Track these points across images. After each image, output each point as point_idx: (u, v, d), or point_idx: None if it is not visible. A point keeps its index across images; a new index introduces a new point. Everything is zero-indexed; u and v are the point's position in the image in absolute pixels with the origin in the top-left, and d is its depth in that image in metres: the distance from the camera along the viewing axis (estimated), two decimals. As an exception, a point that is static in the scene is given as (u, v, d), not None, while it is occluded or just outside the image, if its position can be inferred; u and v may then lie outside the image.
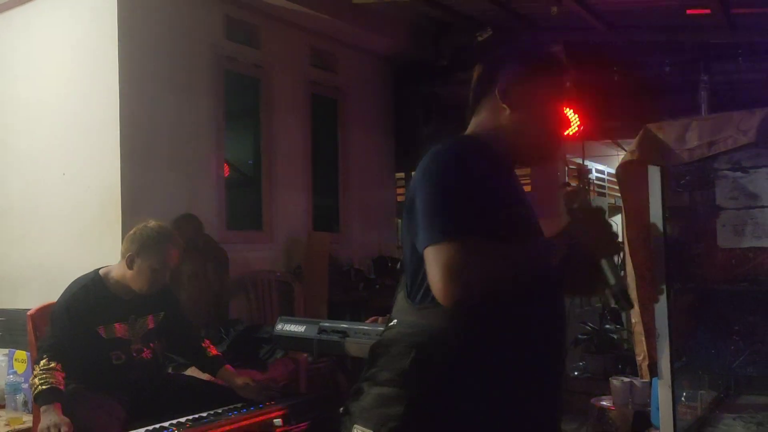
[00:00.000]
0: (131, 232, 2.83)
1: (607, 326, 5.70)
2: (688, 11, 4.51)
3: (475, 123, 1.55)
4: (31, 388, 2.63)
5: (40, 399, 2.55)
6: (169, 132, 4.20)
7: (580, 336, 5.68)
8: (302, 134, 5.22)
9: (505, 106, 1.49)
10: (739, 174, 2.12)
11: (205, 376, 3.06)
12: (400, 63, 5.94)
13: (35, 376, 2.60)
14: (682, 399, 2.70)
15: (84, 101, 4.09)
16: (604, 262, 1.41)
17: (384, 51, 5.78)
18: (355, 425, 1.41)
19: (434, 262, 1.29)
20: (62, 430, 2.43)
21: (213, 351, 3.04)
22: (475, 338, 1.37)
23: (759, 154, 2.08)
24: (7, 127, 4.46)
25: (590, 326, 5.74)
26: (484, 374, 1.38)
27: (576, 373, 5.56)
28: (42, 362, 2.62)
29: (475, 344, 1.37)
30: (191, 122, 4.33)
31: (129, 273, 2.78)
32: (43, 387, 2.55)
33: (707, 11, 4.44)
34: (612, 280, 1.40)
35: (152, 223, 2.84)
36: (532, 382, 1.42)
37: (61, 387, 2.58)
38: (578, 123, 4.91)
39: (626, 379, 3.24)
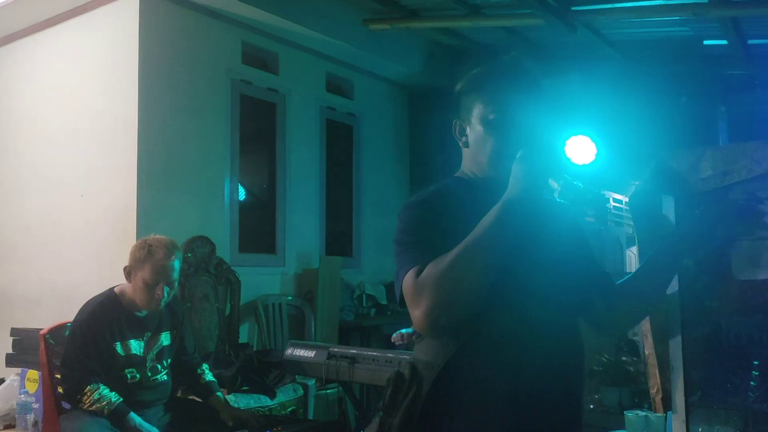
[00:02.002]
0: (132, 246, 2.84)
1: (624, 358, 5.61)
2: (705, 42, 4.51)
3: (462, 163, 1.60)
4: (95, 413, 2.63)
5: (117, 414, 2.62)
6: (185, 155, 4.24)
7: (595, 368, 5.58)
8: (317, 159, 5.25)
9: (462, 144, 1.56)
10: (754, 204, 2.08)
11: None
12: (416, 90, 5.98)
13: (93, 403, 2.62)
14: (698, 434, 2.64)
15: (103, 124, 4.15)
16: (549, 182, 1.35)
17: (400, 78, 5.82)
18: None
19: (406, 298, 1.36)
20: None
21: (208, 376, 3.02)
22: (451, 367, 1.39)
23: (774, 185, 2.04)
24: (28, 148, 4.53)
25: (606, 357, 5.64)
26: (454, 406, 1.39)
27: (591, 406, 5.46)
28: (88, 390, 2.64)
29: (449, 373, 1.39)
30: (207, 146, 4.38)
31: (132, 289, 2.78)
32: (114, 404, 2.61)
33: (724, 42, 4.43)
34: (557, 186, 1.34)
35: (152, 237, 2.84)
36: (519, 404, 1.39)
37: (121, 398, 2.66)
38: (595, 152, 4.90)
39: (642, 413, 3.17)
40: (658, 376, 2.15)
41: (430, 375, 1.40)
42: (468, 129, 1.52)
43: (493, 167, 1.48)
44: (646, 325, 2.15)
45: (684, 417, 2.08)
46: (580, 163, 5.02)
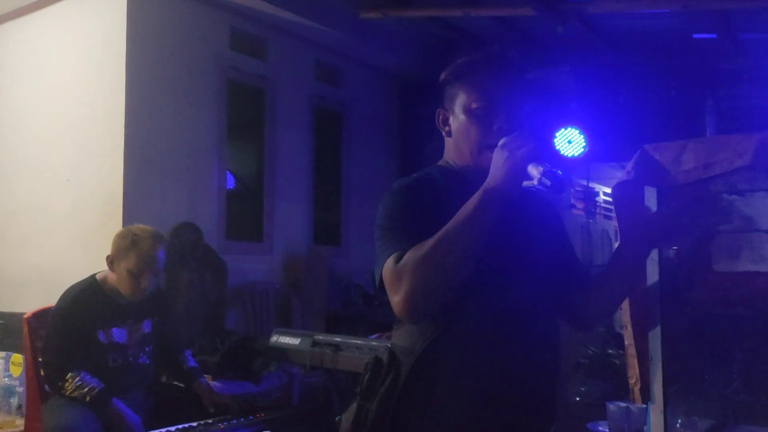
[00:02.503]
0: (115, 235, 2.82)
1: (610, 351, 5.65)
2: (695, 35, 4.51)
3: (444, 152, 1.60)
4: (77, 399, 2.63)
5: (99, 401, 2.61)
6: (172, 141, 4.22)
7: (581, 360, 5.63)
8: (305, 147, 5.24)
9: (444, 133, 1.56)
10: (735, 197, 2.09)
11: None
12: (407, 80, 5.96)
13: (75, 389, 2.62)
14: (677, 425, 2.66)
15: (90, 109, 4.13)
16: (529, 167, 1.35)
17: (390, 67, 5.80)
18: None
19: (386, 285, 1.36)
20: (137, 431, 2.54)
21: (190, 363, 3.02)
22: (429, 353, 1.40)
23: (755, 178, 2.05)
24: (16, 132, 4.50)
25: (592, 350, 5.69)
26: (432, 392, 1.40)
27: (577, 398, 5.50)
28: (70, 377, 2.63)
29: (428, 359, 1.40)
30: (194, 132, 4.36)
31: (115, 277, 2.77)
32: (96, 390, 2.61)
33: (714, 36, 4.44)
34: (536, 172, 1.34)
35: (135, 226, 2.83)
36: (489, 392, 1.41)
37: (103, 385, 2.65)
38: (584, 145, 4.91)
39: (623, 404, 3.19)
40: (637, 366, 2.16)
41: (408, 361, 1.41)
42: (451, 118, 1.52)
43: (474, 156, 1.48)
44: (626, 317, 2.16)
45: (662, 407, 2.09)
46: (569, 155, 5.03)
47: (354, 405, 1.46)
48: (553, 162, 1.40)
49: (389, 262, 1.34)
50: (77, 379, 2.63)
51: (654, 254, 2.08)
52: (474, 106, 1.47)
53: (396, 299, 1.32)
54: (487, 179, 1.35)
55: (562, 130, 4.78)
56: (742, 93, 4.68)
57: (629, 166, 2.20)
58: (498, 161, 1.35)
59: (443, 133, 1.57)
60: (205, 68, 4.42)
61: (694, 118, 4.64)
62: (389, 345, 1.50)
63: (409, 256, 1.32)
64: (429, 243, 1.31)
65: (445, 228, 1.32)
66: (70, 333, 2.69)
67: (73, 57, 4.25)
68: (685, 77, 4.78)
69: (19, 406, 3.47)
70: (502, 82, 1.48)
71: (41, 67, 4.40)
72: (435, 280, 1.31)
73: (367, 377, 1.45)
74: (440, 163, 1.58)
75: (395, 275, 1.32)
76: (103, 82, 4.07)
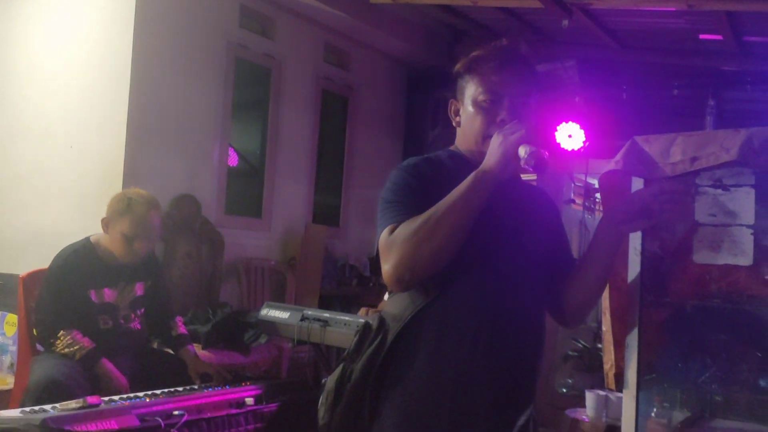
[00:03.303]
0: (111, 198, 2.86)
1: (599, 345, 5.68)
2: (701, 36, 4.52)
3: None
4: (67, 357, 2.68)
5: (88, 360, 2.67)
6: (176, 114, 4.26)
7: (570, 352, 5.66)
8: (310, 128, 5.27)
9: (455, 124, 1.62)
10: (720, 191, 2.12)
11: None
12: (414, 66, 5.98)
13: (65, 347, 2.67)
14: (652, 415, 2.70)
15: (96, 78, 4.16)
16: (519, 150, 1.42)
17: (398, 53, 5.82)
18: (321, 395, 1.56)
19: (381, 256, 1.43)
20: (125, 391, 2.59)
21: (180, 329, 3.06)
22: (417, 320, 1.45)
23: (741, 173, 2.09)
24: (22, 97, 4.53)
25: (582, 343, 5.73)
26: (414, 358, 1.45)
27: (564, 390, 5.55)
28: (61, 334, 2.68)
29: (414, 325, 1.46)
30: (198, 106, 4.39)
31: (109, 239, 2.82)
32: (86, 349, 2.66)
33: (719, 37, 4.44)
34: (523, 152, 1.42)
35: (132, 190, 2.87)
36: (469, 364, 1.45)
37: (94, 344, 2.70)
38: (584, 140, 4.93)
39: (602, 393, 3.24)
40: (612, 352, 2.20)
41: (396, 326, 1.47)
42: (461, 109, 1.60)
43: (479, 145, 1.55)
44: (605, 303, 2.20)
45: (634, 393, 2.13)
46: (569, 149, 5.05)
47: (340, 366, 1.53)
48: (543, 146, 1.45)
49: (384, 233, 1.42)
50: (68, 337, 2.68)
51: (637, 244, 2.11)
52: (481, 98, 1.54)
53: (385, 268, 1.40)
54: (483, 162, 1.43)
55: (564, 124, 4.80)
56: (745, 96, 4.69)
57: (618, 156, 2.24)
58: (493, 145, 1.43)
59: (454, 123, 1.64)
60: (212, 44, 4.45)
61: (694, 118, 4.65)
62: (380, 312, 1.55)
63: (402, 228, 1.39)
64: (421, 217, 1.38)
65: (437, 204, 1.39)
66: (62, 292, 2.74)
67: (82, 25, 4.27)
68: (688, 77, 4.79)
69: (11, 365, 3.52)
70: (510, 78, 1.54)
71: (49, 34, 4.42)
72: (422, 253, 1.37)
73: (355, 340, 1.52)
74: (451, 148, 1.65)
75: (387, 245, 1.40)
76: (110, 52, 4.10)
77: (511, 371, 1.50)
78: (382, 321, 1.50)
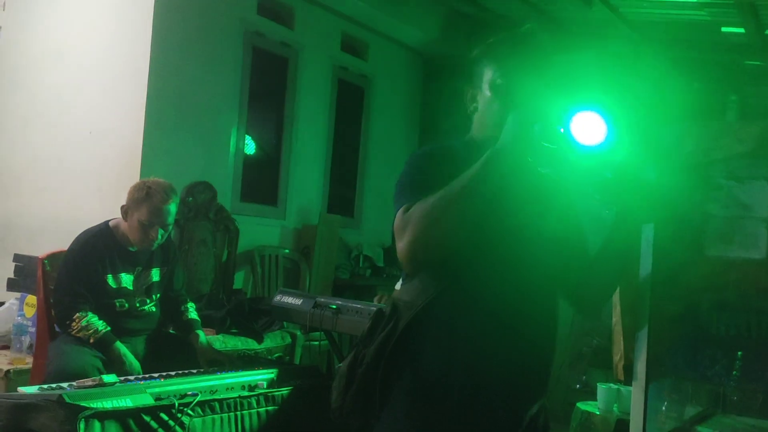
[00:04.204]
0: (131, 186, 2.90)
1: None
2: (723, 29, 4.46)
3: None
4: (82, 339, 2.73)
5: (102, 343, 2.72)
6: (194, 101, 4.29)
7: (584, 349, 5.64)
8: (326, 117, 5.28)
9: (470, 110, 1.60)
10: (733, 183, 2.11)
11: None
12: (431, 56, 5.97)
13: (81, 330, 2.72)
14: (663, 409, 2.70)
15: (116, 64, 4.20)
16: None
17: (415, 43, 5.81)
18: (335, 379, 1.57)
19: (394, 231, 1.42)
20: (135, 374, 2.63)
21: (192, 315, 3.10)
22: (429, 308, 1.45)
23: (756, 165, 2.07)
24: (41, 83, 4.59)
25: (596, 341, 5.70)
26: (425, 345, 1.45)
27: (578, 386, 5.54)
28: (77, 316, 2.73)
29: (427, 313, 1.45)
30: (216, 93, 4.42)
31: (127, 226, 2.86)
32: (101, 332, 2.72)
33: (742, 30, 4.38)
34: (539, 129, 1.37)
35: (151, 179, 2.90)
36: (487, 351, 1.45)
37: (109, 328, 2.75)
38: (602, 132, 4.89)
39: (613, 386, 3.24)
40: (622, 344, 2.20)
41: (408, 314, 1.46)
42: (478, 95, 1.59)
43: (497, 131, 1.49)
44: (615, 296, 2.20)
45: (644, 385, 2.13)
46: (589, 143, 5.02)
47: (353, 351, 1.54)
48: (563, 144, 1.42)
49: (399, 212, 1.42)
50: (84, 319, 2.73)
51: (649, 235, 2.11)
52: (499, 81, 1.53)
53: (400, 246, 1.40)
54: (498, 142, 1.40)
55: (581, 115, 4.77)
56: (766, 91, 4.62)
57: (630, 146, 2.22)
58: (509, 124, 1.40)
59: (469, 111, 1.62)
60: (230, 32, 4.48)
61: (714, 113, 4.60)
62: (393, 298, 1.56)
63: (416, 207, 1.39)
64: (434, 197, 1.38)
65: (451, 184, 1.38)
66: (80, 274, 2.79)
67: (101, 11, 4.32)
68: (710, 71, 4.73)
69: (30, 345, 3.58)
70: (528, 61, 1.53)
71: (69, 18, 4.46)
72: (435, 232, 1.37)
73: (368, 325, 1.53)
74: (466, 138, 1.64)
75: (401, 225, 1.40)
76: (129, 39, 4.14)
77: (524, 362, 1.50)
78: (395, 307, 1.50)
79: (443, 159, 1.52)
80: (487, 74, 1.55)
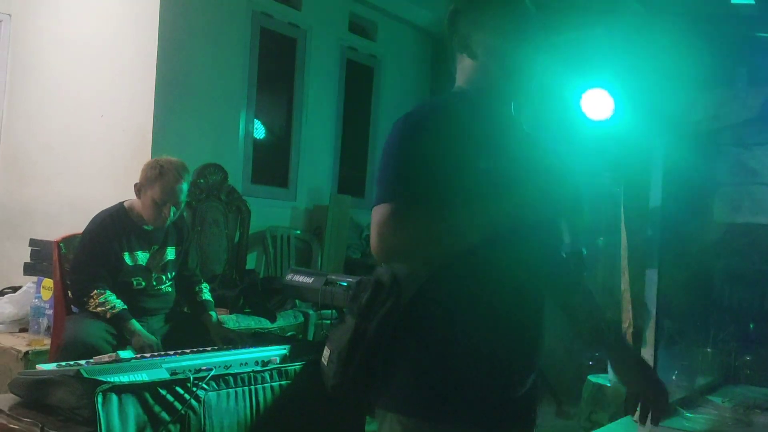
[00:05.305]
0: (144, 165, 2.94)
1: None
2: (733, 0, 4.40)
3: (457, 80, 1.55)
4: (99, 315, 2.77)
5: (118, 319, 2.75)
6: (203, 83, 4.31)
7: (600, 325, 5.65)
8: (335, 99, 5.29)
9: (466, 56, 1.50)
10: (741, 150, 2.11)
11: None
12: (441, 37, 5.93)
13: (98, 306, 2.76)
14: (673, 378, 2.70)
15: (125, 48, 4.23)
16: (563, 220, 1.41)
17: (425, 23, 5.79)
18: (326, 347, 1.51)
19: (372, 222, 1.36)
20: (155, 349, 2.66)
21: (205, 296, 3.13)
22: (426, 284, 1.42)
23: (763, 131, 2.07)
24: (52, 69, 4.63)
25: (610, 315, 5.70)
26: (432, 321, 1.43)
27: (591, 363, 5.56)
28: (95, 293, 2.78)
29: (428, 290, 1.42)
30: (224, 76, 4.44)
31: (141, 204, 2.90)
32: (117, 309, 2.75)
33: (752, 2, 4.32)
34: (567, 240, 1.39)
35: (164, 158, 2.93)
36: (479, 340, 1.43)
37: (125, 306, 2.79)
38: (611, 108, 4.85)
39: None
40: (630, 310, 2.22)
41: (412, 286, 1.42)
42: (474, 43, 1.49)
43: (504, 78, 1.49)
44: (624, 263, 2.21)
45: (653, 351, 2.15)
46: (597, 118, 4.98)
47: (350, 323, 1.47)
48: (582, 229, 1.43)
49: (387, 210, 1.34)
50: (102, 296, 2.77)
51: (657, 201, 2.12)
52: (507, 27, 1.46)
53: (381, 245, 1.33)
54: (527, 194, 1.37)
55: (590, 91, 4.74)
56: (777, 62, 4.56)
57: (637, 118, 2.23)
58: (539, 189, 1.36)
59: (462, 55, 1.52)
60: (238, 14, 4.49)
61: (725, 86, 4.55)
62: (389, 268, 1.49)
63: (414, 225, 1.33)
64: (438, 229, 1.34)
65: (460, 225, 1.35)
66: (97, 252, 2.84)
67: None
68: (719, 43, 4.67)
69: (48, 327, 3.65)
70: (531, 9, 1.49)
71: (78, 5, 4.49)
72: (428, 255, 1.37)
73: (366, 296, 1.45)
74: (456, 90, 1.54)
75: (390, 226, 1.33)
76: (137, 23, 4.16)
77: (522, 332, 1.49)
78: (394, 279, 1.44)
79: (439, 126, 1.43)
80: (494, 20, 1.47)
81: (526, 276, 1.49)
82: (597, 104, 4.92)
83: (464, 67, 1.52)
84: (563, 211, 1.37)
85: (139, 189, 2.89)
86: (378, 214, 1.35)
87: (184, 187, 2.91)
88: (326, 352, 1.50)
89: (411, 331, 1.45)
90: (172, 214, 2.89)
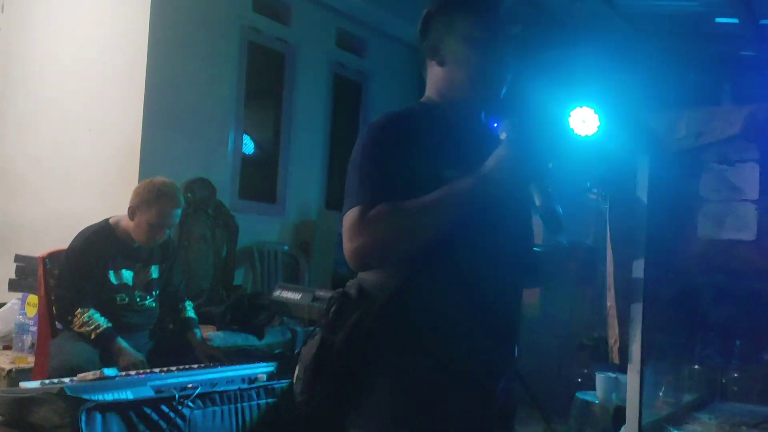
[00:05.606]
0: (137, 185, 2.93)
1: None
2: (717, 19, 4.48)
3: (426, 89, 1.54)
4: (83, 335, 2.75)
5: (103, 338, 2.73)
6: (191, 98, 4.32)
7: (585, 342, 5.66)
8: (323, 114, 5.30)
9: (435, 63, 1.50)
10: (725, 167, 2.14)
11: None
12: (427, 53, 5.96)
13: (82, 325, 2.74)
14: (660, 395, 2.71)
15: (114, 63, 4.23)
16: (532, 186, 1.35)
17: (414, 39, 5.79)
18: (297, 364, 1.49)
19: (343, 230, 1.36)
20: (140, 369, 2.63)
21: (189, 314, 3.13)
22: (395, 293, 1.40)
23: (746, 148, 2.10)
24: (41, 82, 4.61)
25: (597, 334, 5.71)
26: (398, 328, 1.41)
27: (579, 380, 5.57)
28: (79, 312, 2.76)
29: (397, 300, 1.41)
30: (213, 91, 4.45)
31: (131, 224, 2.89)
32: (102, 328, 2.74)
33: (736, 21, 4.40)
34: (538, 202, 1.34)
35: (158, 179, 2.93)
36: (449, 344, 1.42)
37: (110, 324, 2.77)
38: (597, 125, 4.89)
39: (612, 374, 3.26)
40: (617, 327, 2.23)
41: (380, 296, 1.41)
42: (444, 48, 1.50)
43: (472, 86, 1.48)
44: (610, 279, 2.22)
45: (639, 368, 2.16)
46: (582, 134, 5.02)
47: (317, 337, 1.45)
48: (556, 185, 1.38)
49: (355, 212, 1.34)
50: (85, 315, 2.75)
51: (643, 220, 2.13)
52: (476, 34, 1.46)
53: (352, 247, 1.33)
54: (490, 168, 1.34)
55: (577, 108, 4.78)
56: (760, 81, 4.63)
57: (624, 136, 2.25)
58: (502, 158, 1.34)
59: (430, 65, 1.52)
60: (226, 29, 4.50)
61: (710, 104, 4.60)
62: (357, 280, 1.49)
63: (380, 214, 1.32)
64: (403, 211, 1.32)
65: (424, 200, 1.33)
66: (81, 270, 2.82)
67: (101, 10, 4.34)
68: (703, 61, 4.74)
69: (32, 345, 3.61)
70: (501, 12, 1.48)
71: (68, 17, 4.48)
72: (398, 245, 1.34)
73: (333, 310, 1.44)
74: (424, 99, 1.54)
75: (358, 227, 1.33)
76: (126, 37, 4.17)
77: (496, 334, 1.49)
78: (361, 290, 1.44)
79: (404, 131, 1.43)
80: (459, 25, 1.47)
81: (497, 281, 1.47)
82: (583, 121, 4.97)
83: (433, 75, 1.53)
84: (531, 177, 1.34)
85: (133, 211, 2.88)
86: (346, 220, 1.36)
87: (179, 211, 2.93)
88: (297, 369, 1.48)
89: (383, 341, 1.42)
90: (165, 236, 2.91)
